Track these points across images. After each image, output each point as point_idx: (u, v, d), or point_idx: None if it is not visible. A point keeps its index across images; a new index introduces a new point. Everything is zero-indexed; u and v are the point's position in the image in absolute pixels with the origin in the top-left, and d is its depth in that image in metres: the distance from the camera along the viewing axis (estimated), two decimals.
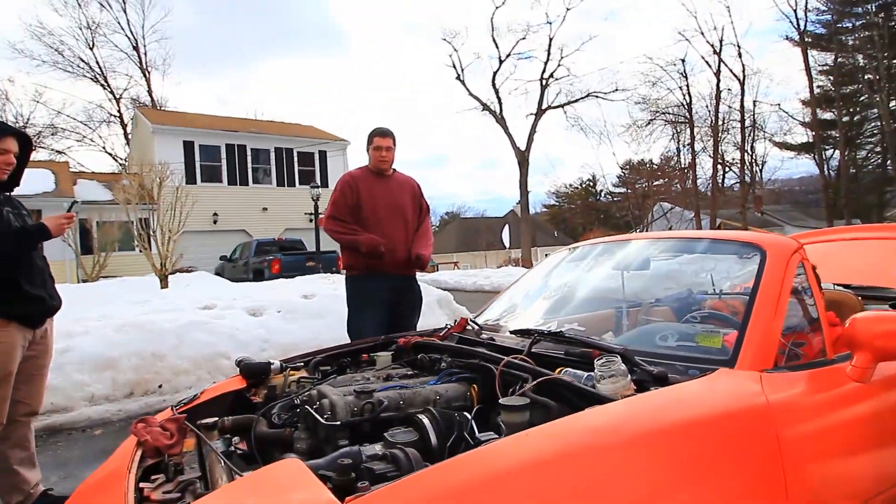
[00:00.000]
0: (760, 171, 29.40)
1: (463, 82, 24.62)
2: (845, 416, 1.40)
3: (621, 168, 32.32)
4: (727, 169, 26.23)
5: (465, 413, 1.32)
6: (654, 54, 43.90)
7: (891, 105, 22.94)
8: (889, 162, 24.46)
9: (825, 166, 25.93)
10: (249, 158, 20.51)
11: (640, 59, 40.83)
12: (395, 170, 3.32)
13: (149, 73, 30.27)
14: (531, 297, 2.44)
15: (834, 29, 25.36)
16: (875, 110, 24.67)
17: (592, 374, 1.32)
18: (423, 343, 2.01)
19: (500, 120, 24.40)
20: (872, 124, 25.92)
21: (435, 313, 5.86)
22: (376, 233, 3.11)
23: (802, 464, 1.21)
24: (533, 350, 1.61)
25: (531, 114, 24.35)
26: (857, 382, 1.35)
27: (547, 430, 1.05)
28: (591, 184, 40.88)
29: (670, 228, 25.70)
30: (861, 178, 26.19)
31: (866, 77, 25.02)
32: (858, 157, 26.62)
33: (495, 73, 24.43)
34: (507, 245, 27.24)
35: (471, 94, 24.68)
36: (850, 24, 25.50)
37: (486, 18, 24.33)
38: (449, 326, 2.17)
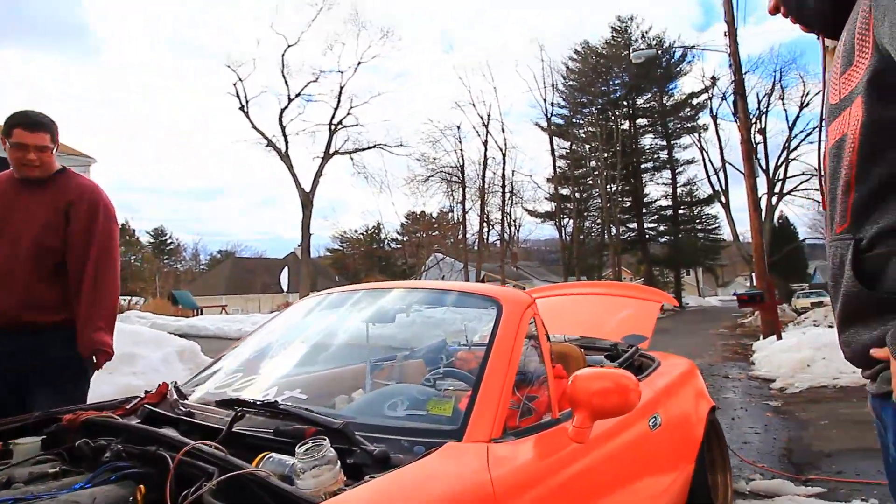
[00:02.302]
0: (517, 231, 33.99)
1: (247, 114, 23.30)
2: (566, 475, 1.39)
3: (405, 217, 34.01)
4: (491, 227, 29.77)
5: None
6: (435, 117, 48.33)
7: (607, 188, 29.08)
8: (605, 232, 30.75)
9: (563, 232, 31.28)
10: None
11: (423, 119, 44.50)
12: (61, 172, 2.17)
13: None
14: (270, 351, 2.08)
15: (569, 122, 31.47)
16: (596, 190, 30.94)
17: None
18: (97, 421, 1.47)
19: (285, 158, 23.60)
20: (595, 201, 32.35)
21: (174, 368, 4.91)
22: None
23: None
24: (236, 429, 1.25)
25: (318, 157, 24.15)
26: (577, 443, 1.33)
27: None
28: (377, 231, 42.02)
29: (443, 278, 27.71)
30: (588, 244, 32.24)
31: (591, 164, 31.42)
32: (586, 227, 32.79)
33: (283, 111, 23.75)
34: (286, 289, 25.87)
35: (254, 128, 23.45)
36: (580, 121, 31.97)
37: (277, 54, 23.53)
38: (144, 395, 1.67)
